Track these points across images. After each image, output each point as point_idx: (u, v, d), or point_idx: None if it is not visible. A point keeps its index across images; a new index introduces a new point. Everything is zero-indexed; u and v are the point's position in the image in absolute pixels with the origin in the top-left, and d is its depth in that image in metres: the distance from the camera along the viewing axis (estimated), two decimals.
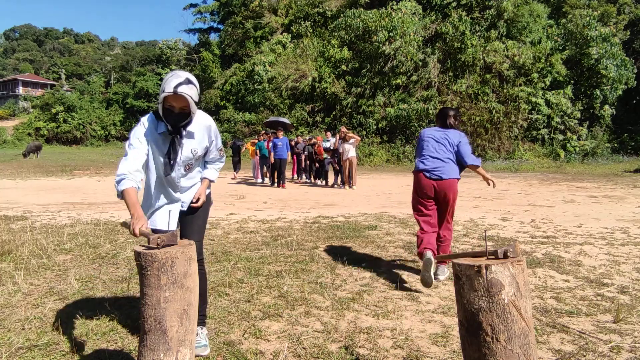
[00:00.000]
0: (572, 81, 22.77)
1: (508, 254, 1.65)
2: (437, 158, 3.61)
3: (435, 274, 3.55)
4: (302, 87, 25.09)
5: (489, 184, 3.76)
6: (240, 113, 27.69)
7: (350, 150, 11.53)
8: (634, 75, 22.86)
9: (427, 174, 3.61)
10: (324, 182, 13.36)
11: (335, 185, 12.46)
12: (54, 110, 43.79)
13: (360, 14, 23.96)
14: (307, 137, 14.88)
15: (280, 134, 12.43)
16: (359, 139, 12.37)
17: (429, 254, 3.34)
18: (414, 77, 22.80)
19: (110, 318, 2.79)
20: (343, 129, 11.92)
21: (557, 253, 4.63)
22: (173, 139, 2.28)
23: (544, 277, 3.78)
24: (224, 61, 34.49)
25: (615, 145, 23.18)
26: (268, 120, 16.29)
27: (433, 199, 3.63)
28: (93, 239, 5.09)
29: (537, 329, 2.66)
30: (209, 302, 3.08)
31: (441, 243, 3.67)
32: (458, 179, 3.64)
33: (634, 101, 25.06)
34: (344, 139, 11.60)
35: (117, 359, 2.30)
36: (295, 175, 14.88)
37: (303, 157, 14.04)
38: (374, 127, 23.00)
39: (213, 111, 30.38)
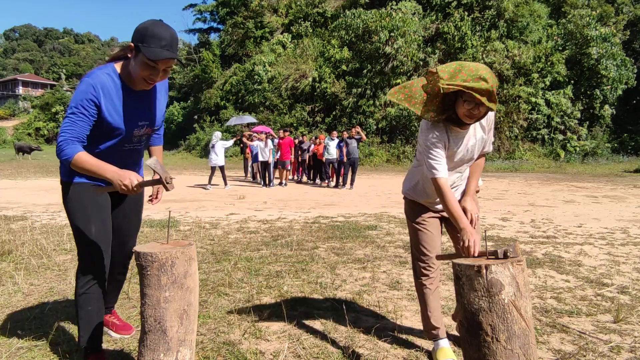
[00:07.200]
0: (572, 81, 22.74)
1: (508, 254, 1.65)
2: None
3: None
4: (302, 87, 25.08)
5: None
6: (240, 113, 27.68)
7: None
8: (634, 75, 22.82)
9: None
10: (323, 182, 13.34)
11: (339, 186, 12.33)
12: (53, 110, 43.82)
13: (360, 14, 23.93)
14: (313, 137, 14.87)
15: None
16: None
17: None
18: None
19: None
20: (357, 128, 12.55)
21: (557, 253, 4.63)
22: None
23: (544, 277, 3.78)
24: (224, 61, 34.43)
25: (615, 145, 23.15)
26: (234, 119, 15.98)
27: None
28: None
29: (537, 329, 2.66)
30: (208, 302, 3.09)
31: None
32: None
33: (634, 101, 25.02)
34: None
35: (117, 359, 2.30)
36: (296, 176, 14.85)
37: (307, 156, 14.01)
38: (374, 127, 22.99)
39: (213, 111, 30.36)
